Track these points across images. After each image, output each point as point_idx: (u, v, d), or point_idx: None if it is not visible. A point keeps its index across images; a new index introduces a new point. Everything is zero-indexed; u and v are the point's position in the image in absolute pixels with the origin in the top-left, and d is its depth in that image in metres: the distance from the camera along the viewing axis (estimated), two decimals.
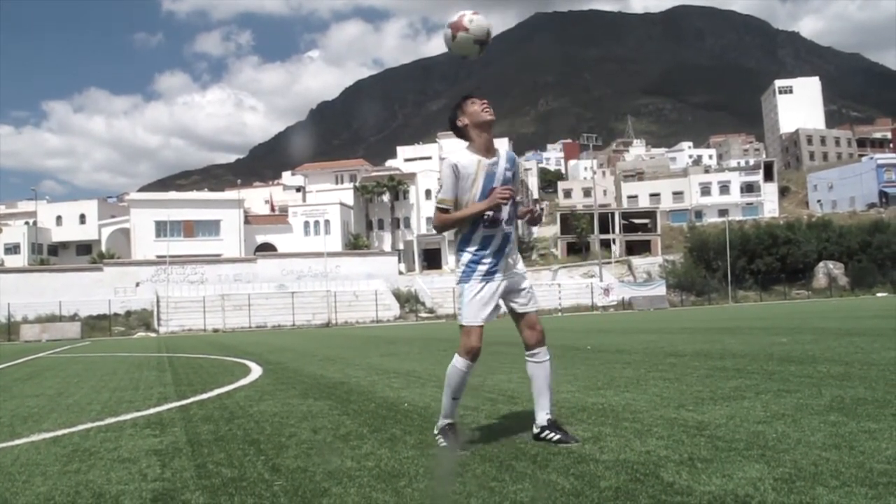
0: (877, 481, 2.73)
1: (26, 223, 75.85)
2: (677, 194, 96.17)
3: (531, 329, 3.97)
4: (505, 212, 3.85)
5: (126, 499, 3.14)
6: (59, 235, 76.57)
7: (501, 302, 3.94)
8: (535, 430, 3.92)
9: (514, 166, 3.98)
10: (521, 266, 4.00)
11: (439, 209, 3.87)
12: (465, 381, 3.91)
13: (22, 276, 57.52)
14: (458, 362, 3.86)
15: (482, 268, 3.83)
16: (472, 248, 3.85)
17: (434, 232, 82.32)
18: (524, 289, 3.97)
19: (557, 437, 3.82)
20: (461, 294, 3.87)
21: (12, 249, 72.05)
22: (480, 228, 3.83)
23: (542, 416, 3.92)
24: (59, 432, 5.18)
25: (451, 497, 2.88)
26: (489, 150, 3.88)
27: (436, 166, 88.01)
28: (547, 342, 4.05)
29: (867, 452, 3.19)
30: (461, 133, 3.92)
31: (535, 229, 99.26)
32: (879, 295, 54.87)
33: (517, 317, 3.99)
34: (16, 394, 8.56)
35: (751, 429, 3.86)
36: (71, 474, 3.68)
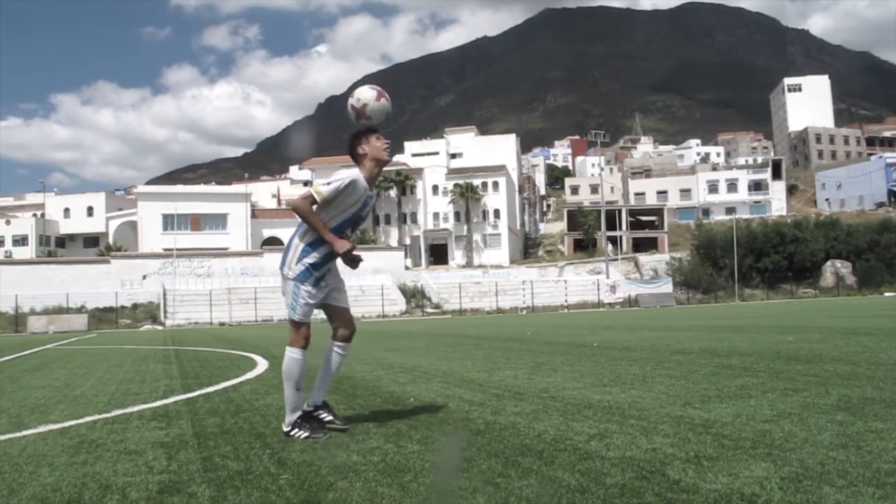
0: (884, 481, 2.72)
1: (34, 215, 76.13)
2: (685, 192, 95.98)
3: (346, 325, 4.45)
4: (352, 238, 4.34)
5: (132, 490, 3.14)
6: (66, 228, 76.85)
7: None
8: (308, 409, 4.34)
9: (372, 204, 4.42)
10: (338, 272, 4.44)
11: (311, 196, 4.08)
12: (303, 370, 4.29)
13: (29, 268, 57.77)
14: (295, 353, 4.27)
15: (318, 274, 4.20)
16: (316, 255, 4.17)
17: (431, 224, 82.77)
18: (340, 285, 4.43)
19: (329, 417, 4.35)
20: (294, 290, 4.18)
21: (20, 241, 72.36)
22: (327, 245, 4.17)
23: (319, 397, 4.44)
24: (66, 424, 5.19)
25: (455, 492, 2.88)
26: (371, 184, 4.27)
27: (443, 161, 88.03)
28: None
29: (874, 452, 3.17)
30: (355, 156, 4.29)
31: (542, 226, 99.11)
32: (887, 294, 54.69)
33: (334, 311, 4.42)
34: (23, 385, 8.59)
35: (757, 427, 3.85)
36: (78, 466, 3.68)
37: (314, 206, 4.09)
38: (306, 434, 4.12)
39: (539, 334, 15.84)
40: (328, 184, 4.07)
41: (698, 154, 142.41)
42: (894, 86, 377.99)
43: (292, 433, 4.17)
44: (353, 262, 4.25)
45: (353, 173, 4.16)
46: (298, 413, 4.23)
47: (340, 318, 4.42)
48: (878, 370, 6.21)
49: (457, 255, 79.51)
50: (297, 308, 4.21)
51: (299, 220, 4.21)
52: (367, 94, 4.26)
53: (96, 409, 5.99)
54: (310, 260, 4.16)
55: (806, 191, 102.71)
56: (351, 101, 4.28)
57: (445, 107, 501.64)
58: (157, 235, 67.71)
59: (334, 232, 4.16)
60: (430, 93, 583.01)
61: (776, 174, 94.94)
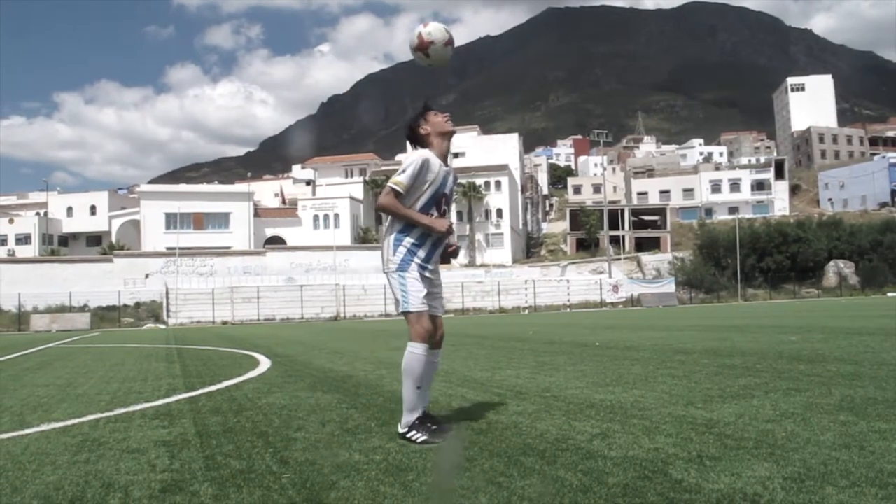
0: (887, 482, 2.72)
1: (37, 214, 76.18)
2: (687, 191, 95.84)
3: (437, 331, 4.13)
4: (447, 217, 4.10)
5: (135, 489, 3.15)
6: (69, 226, 76.90)
7: None
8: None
9: (455, 181, 4.24)
10: (439, 272, 4.22)
11: (393, 189, 3.94)
12: (428, 368, 3.99)
13: (32, 267, 57.84)
14: (417, 348, 3.93)
15: (420, 258, 4.00)
16: (412, 238, 3.99)
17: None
18: (438, 292, 4.18)
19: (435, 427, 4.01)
20: (401, 281, 3.96)
21: (23, 240, 72.41)
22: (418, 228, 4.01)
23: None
24: (69, 422, 5.20)
25: (456, 492, 2.88)
26: (445, 159, 4.10)
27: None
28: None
29: (877, 452, 3.17)
30: (419, 139, 4.11)
31: (545, 225, 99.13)
32: (890, 294, 54.59)
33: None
34: (26, 383, 8.60)
35: (760, 427, 3.85)
36: (80, 464, 3.69)
37: (398, 198, 3.95)
38: (424, 437, 3.87)
39: (541, 334, 15.84)
40: (402, 171, 3.92)
41: (701, 154, 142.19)
42: None
43: (409, 435, 3.92)
44: (453, 253, 4.14)
45: (424, 152, 4.01)
46: (417, 414, 3.97)
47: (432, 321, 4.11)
48: (882, 370, 6.20)
49: (460, 255, 79.38)
50: (407, 298, 3.95)
51: (388, 220, 4.10)
52: (439, 34, 4.04)
53: (99, 407, 6.00)
54: (406, 245, 3.99)
55: (809, 191, 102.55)
56: (420, 28, 4.08)
57: (448, 106, 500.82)
58: (159, 234, 67.75)
59: (422, 211, 4.00)
60: (433, 92, 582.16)
61: (779, 174, 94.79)
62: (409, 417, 3.96)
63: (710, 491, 2.70)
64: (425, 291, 3.97)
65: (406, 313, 3.96)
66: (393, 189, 3.92)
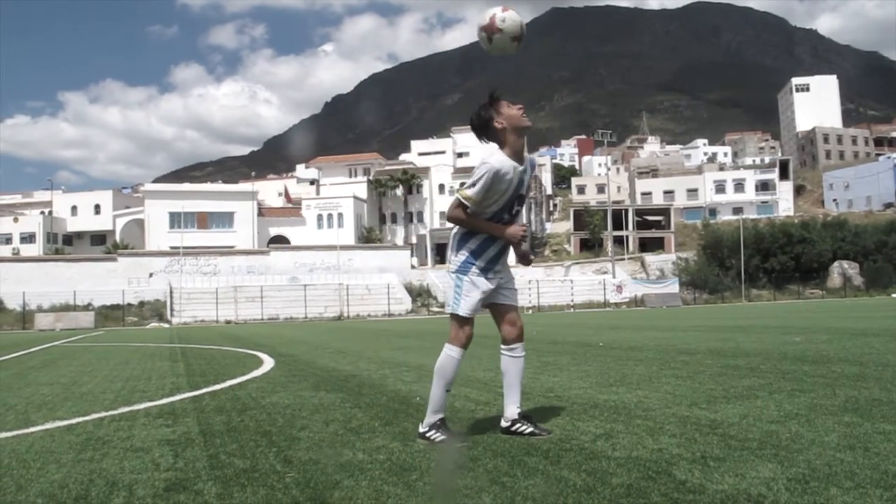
0: (892, 483, 2.71)
1: (42, 213, 76.34)
2: (691, 192, 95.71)
3: (512, 325, 4.02)
4: (518, 221, 3.93)
5: (139, 488, 3.15)
6: (73, 225, 77.02)
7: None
8: (505, 424, 3.98)
9: (532, 171, 4.01)
10: (508, 267, 4.06)
11: (462, 204, 3.78)
12: (457, 371, 3.90)
13: (37, 266, 57.91)
14: (454, 351, 3.86)
15: (481, 263, 3.86)
16: (477, 241, 3.87)
17: (447, 224, 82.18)
18: (510, 286, 4.03)
19: (530, 429, 3.89)
20: (457, 283, 3.88)
21: (28, 239, 72.54)
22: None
23: (513, 410, 3.97)
24: (73, 421, 5.21)
25: (459, 491, 2.88)
26: (520, 157, 3.85)
27: (449, 161, 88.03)
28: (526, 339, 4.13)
29: (882, 454, 3.16)
30: (491, 134, 3.86)
31: (548, 225, 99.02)
32: (895, 295, 54.48)
33: (500, 310, 4.01)
34: (30, 382, 8.62)
35: (764, 428, 3.84)
36: (84, 462, 3.70)
37: (468, 211, 3.80)
38: (443, 437, 3.81)
39: (545, 334, 15.83)
40: (473, 184, 3.72)
41: (705, 154, 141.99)
42: None
43: (428, 434, 3.85)
44: (525, 258, 3.93)
45: (494, 161, 3.75)
46: (440, 416, 3.89)
47: (505, 317, 4.01)
48: (886, 371, 6.19)
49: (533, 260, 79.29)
50: (459, 302, 3.86)
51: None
52: (512, 26, 3.77)
53: (103, 406, 6.01)
54: (470, 247, 3.86)
55: (813, 191, 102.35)
56: (496, 10, 3.79)
57: (452, 106, 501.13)
58: (163, 233, 67.82)
59: (495, 217, 3.86)
60: (437, 92, 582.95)
61: (783, 174, 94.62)
62: (432, 418, 3.89)
63: (714, 492, 2.69)
64: (479, 298, 3.86)
65: (454, 315, 3.90)
66: (461, 203, 3.78)
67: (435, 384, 3.89)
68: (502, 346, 4.04)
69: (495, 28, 3.76)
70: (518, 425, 3.92)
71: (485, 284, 3.86)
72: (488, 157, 3.80)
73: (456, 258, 3.89)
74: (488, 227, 3.83)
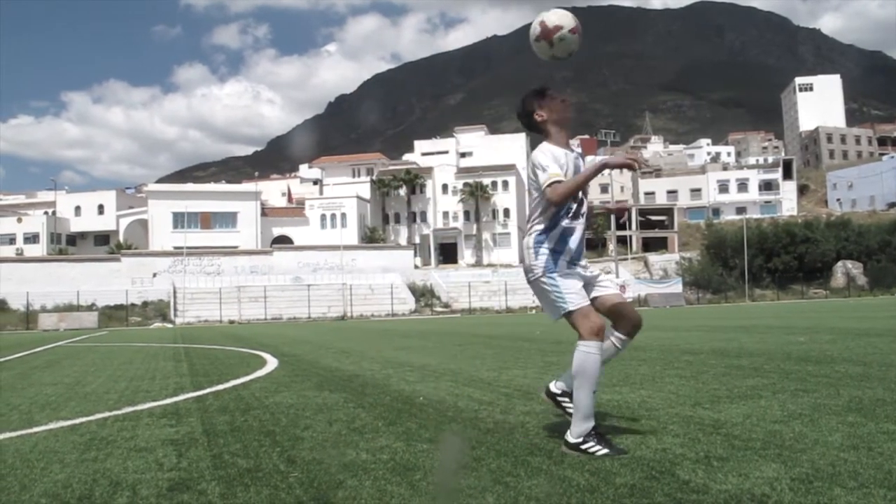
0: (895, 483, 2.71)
1: (45, 213, 76.46)
2: (695, 191, 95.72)
3: (629, 315, 3.77)
4: (584, 206, 3.71)
5: (142, 487, 3.15)
6: (77, 226, 77.15)
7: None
8: (555, 390, 3.84)
9: (583, 160, 3.84)
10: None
11: (554, 182, 3.52)
12: (600, 367, 3.53)
13: (41, 266, 58.06)
14: (590, 347, 3.47)
15: (566, 258, 3.60)
16: (555, 238, 3.63)
17: (451, 224, 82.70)
18: (601, 279, 3.77)
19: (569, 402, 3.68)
20: (551, 283, 3.56)
21: (31, 239, 72.68)
22: (563, 221, 3.63)
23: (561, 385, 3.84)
24: (77, 421, 5.22)
25: (462, 491, 2.88)
26: (568, 146, 3.74)
27: (453, 161, 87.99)
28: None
29: (886, 454, 3.16)
30: (534, 125, 3.75)
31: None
32: None
33: (604, 301, 3.71)
34: (34, 382, 8.63)
35: (768, 428, 3.84)
36: (88, 462, 3.70)
37: (560, 183, 3.51)
38: (605, 451, 3.37)
39: (548, 334, 15.83)
40: (545, 168, 3.54)
41: (709, 154, 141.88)
42: None
43: (584, 447, 3.40)
44: (620, 211, 3.70)
45: (544, 148, 3.63)
46: (592, 423, 3.46)
47: (615, 308, 3.72)
48: (890, 371, 6.18)
49: (466, 255, 79.46)
50: (564, 298, 3.52)
51: (527, 224, 3.74)
52: (566, 19, 3.63)
53: (107, 406, 6.01)
54: (548, 246, 3.60)
55: (817, 191, 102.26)
56: (544, 15, 3.68)
57: (455, 106, 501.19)
58: (167, 233, 67.94)
59: (562, 214, 3.62)
60: (440, 92, 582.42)
61: (787, 174, 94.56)
62: (583, 426, 3.44)
63: (718, 492, 2.69)
64: (580, 284, 3.59)
65: (568, 315, 3.54)
66: (554, 182, 3.50)
67: (578, 388, 3.48)
68: (615, 333, 3.78)
69: (551, 30, 3.65)
70: (565, 399, 3.77)
71: (577, 273, 3.62)
72: (540, 148, 3.69)
73: (536, 262, 3.61)
74: (591, 171, 3.61)
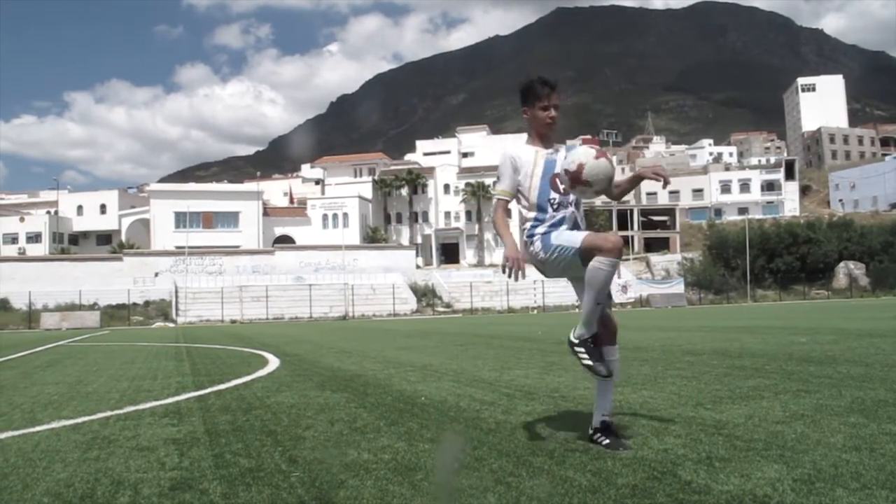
0: None
1: (48, 212, 76.50)
2: (697, 192, 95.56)
3: (604, 327, 3.85)
4: (571, 196, 3.76)
5: (144, 486, 3.16)
6: (79, 225, 77.16)
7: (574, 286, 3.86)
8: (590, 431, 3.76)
9: (567, 155, 3.81)
10: None
11: (500, 200, 3.81)
12: (609, 281, 3.61)
13: (43, 265, 58.10)
14: (604, 262, 3.53)
15: (556, 227, 3.71)
16: (545, 226, 3.74)
17: (452, 223, 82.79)
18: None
19: (607, 441, 3.61)
20: (552, 241, 3.68)
21: (34, 238, 72.69)
22: (550, 213, 3.74)
23: (601, 416, 3.75)
24: (79, 420, 5.22)
25: (464, 491, 2.88)
26: (547, 143, 3.84)
27: (454, 161, 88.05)
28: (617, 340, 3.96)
29: (888, 455, 3.16)
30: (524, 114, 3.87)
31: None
32: None
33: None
34: (36, 381, 8.64)
35: (770, 429, 3.83)
36: (90, 461, 3.71)
37: (509, 203, 3.81)
38: (589, 361, 3.64)
39: (550, 334, 15.82)
40: (498, 179, 3.79)
41: (711, 154, 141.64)
42: None
43: (577, 349, 3.69)
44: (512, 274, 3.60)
45: (507, 151, 3.80)
46: (593, 331, 3.69)
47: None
48: (892, 372, 6.18)
49: (468, 255, 79.47)
50: (568, 239, 3.64)
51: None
52: (583, 154, 3.62)
53: (109, 405, 6.02)
54: (541, 231, 3.72)
55: (819, 191, 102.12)
56: (565, 164, 3.67)
57: (457, 106, 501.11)
58: (169, 233, 67.94)
59: (541, 203, 3.71)
60: (442, 92, 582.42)
61: (789, 174, 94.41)
62: (582, 330, 3.69)
63: (720, 492, 2.69)
64: (570, 228, 3.70)
65: (581, 250, 3.57)
66: (500, 200, 3.80)
67: (587, 295, 3.62)
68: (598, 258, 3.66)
69: (578, 172, 3.60)
70: (599, 435, 3.68)
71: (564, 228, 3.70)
72: (504, 152, 3.83)
73: (535, 247, 3.74)
74: (507, 239, 3.68)
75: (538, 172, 3.75)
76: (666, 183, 3.91)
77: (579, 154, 3.62)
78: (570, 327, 3.63)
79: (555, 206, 3.74)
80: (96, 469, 3.53)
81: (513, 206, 3.89)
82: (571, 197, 3.76)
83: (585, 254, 3.57)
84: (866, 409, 4.32)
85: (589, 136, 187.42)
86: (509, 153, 3.80)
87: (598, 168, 3.59)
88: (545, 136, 3.85)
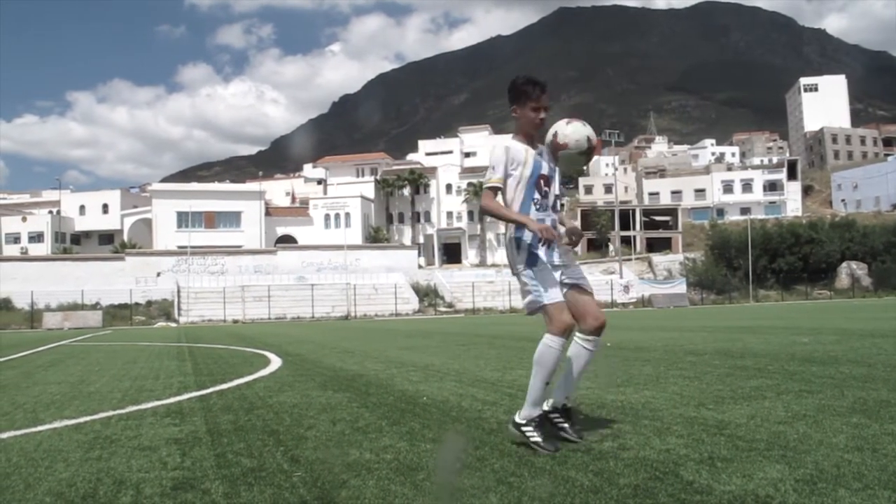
0: None
1: (50, 212, 76.60)
2: (699, 192, 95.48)
3: (590, 314, 3.86)
4: (550, 197, 3.88)
5: (146, 486, 3.16)
6: (81, 225, 77.26)
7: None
8: (546, 408, 3.88)
9: (552, 159, 3.95)
10: (570, 250, 4.04)
11: (490, 189, 3.82)
12: (559, 362, 3.72)
13: (45, 265, 58.17)
14: (553, 341, 3.66)
15: (545, 252, 3.75)
16: (530, 234, 3.76)
17: (454, 223, 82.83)
18: (580, 273, 3.93)
19: (565, 424, 3.83)
20: (531, 276, 3.75)
21: (36, 238, 72.78)
22: (532, 213, 3.81)
23: (560, 397, 3.91)
24: (81, 419, 5.23)
25: (466, 491, 2.88)
26: (532, 143, 3.91)
27: (457, 161, 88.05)
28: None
29: (890, 455, 3.15)
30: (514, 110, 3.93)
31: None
32: None
33: (572, 295, 3.84)
34: (38, 381, 8.65)
35: (772, 429, 3.83)
36: (92, 461, 3.71)
37: (498, 196, 3.85)
38: (537, 439, 3.63)
39: None
40: (492, 169, 3.80)
41: (713, 154, 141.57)
42: None
43: (524, 429, 3.70)
44: (548, 242, 3.70)
45: (502, 142, 3.89)
46: (539, 410, 3.76)
47: (581, 304, 3.82)
48: (895, 373, 6.17)
49: (470, 255, 79.49)
50: (541, 292, 3.71)
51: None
52: (574, 137, 3.81)
53: (111, 405, 6.02)
54: (528, 240, 3.76)
55: (821, 191, 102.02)
56: (559, 125, 3.89)
57: (459, 106, 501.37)
58: (171, 233, 68.00)
59: (525, 202, 3.82)
60: (444, 92, 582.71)
61: (791, 175, 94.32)
62: (530, 411, 3.73)
63: (722, 492, 2.69)
64: (559, 283, 3.77)
65: (543, 308, 3.71)
66: (491, 189, 3.82)
67: (534, 376, 3.73)
68: (577, 335, 3.85)
69: (559, 145, 3.84)
70: (556, 416, 3.87)
71: (551, 265, 3.77)
72: (498, 143, 3.91)
73: (519, 256, 3.80)
74: (514, 216, 3.79)
75: (526, 173, 3.82)
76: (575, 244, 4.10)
77: (577, 134, 3.82)
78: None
79: (538, 208, 3.83)
80: (98, 469, 3.53)
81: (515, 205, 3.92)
82: (551, 199, 3.88)
83: (542, 311, 3.72)
84: (868, 410, 4.31)
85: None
86: (505, 145, 3.87)
87: (569, 129, 3.82)
88: (532, 137, 3.91)
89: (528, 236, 3.76)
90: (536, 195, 3.82)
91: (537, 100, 3.84)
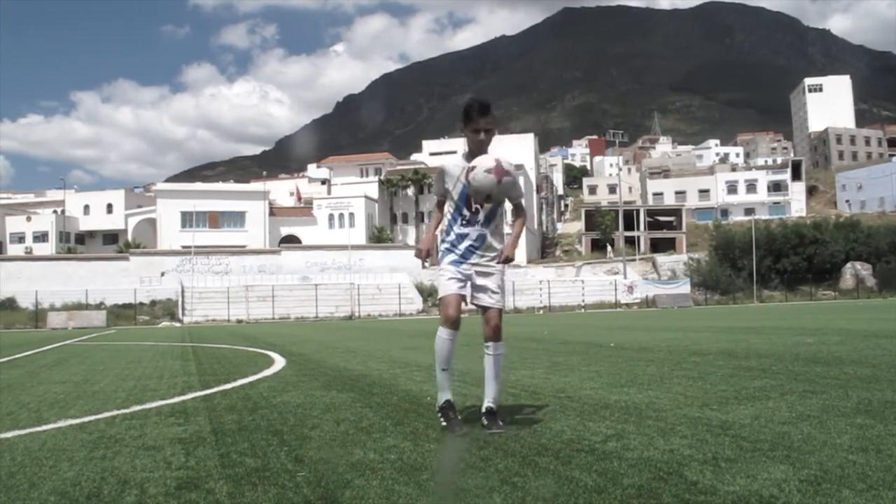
0: None
1: (54, 212, 76.78)
2: (703, 192, 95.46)
3: (486, 324, 4.28)
4: (481, 214, 4.25)
5: (150, 486, 3.16)
6: (86, 224, 77.44)
7: (469, 294, 4.26)
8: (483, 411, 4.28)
9: (504, 175, 4.10)
10: (495, 265, 4.31)
11: (437, 201, 4.48)
12: (450, 351, 4.24)
13: (49, 265, 58.29)
14: (441, 332, 4.20)
15: (456, 253, 4.24)
16: (450, 238, 4.29)
17: None
18: (489, 287, 4.26)
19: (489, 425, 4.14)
20: (440, 274, 4.28)
21: (40, 238, 72.97)
22: (457, 226, 4.26)
23: (486, 403, 4.29)
24: (85, 419, 5.23)
25: (469, 491, 2.88)
26: (476, 154, 4.23)
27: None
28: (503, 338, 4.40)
29: (895, 456, 3.15)
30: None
31: (559, 225, 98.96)
32: None
33: (482, 310, 4.31)
34: (43, 380, 8.67)
35: (776, 429, 3.83)
36: (97, 461, 3.71)
37: (442, 205, 4.44)
38: (443, 423, 4.22)
39: (556, 334, 15.80)
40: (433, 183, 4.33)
41: (717, 154, 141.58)
42: None
43: (438, 414, 4.32)
44: (505, 260, 4.37)
45: (440, 165, 4.43)
46: (445, 396, 4.34)
47: (484, 315, 4.34)
48: None
49: (509, 262, 79.31)
50: (439, 286, 4.33)
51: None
52: (481, 165, 4.13)
53: (115, 404, 6.03)
54: (445, 245, 4.32)
55: (826, 192, 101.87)
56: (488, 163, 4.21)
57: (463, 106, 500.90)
58: (175, 233, 68.09)
59: (453, 217, 4.31)
60: (448, 91, 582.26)
61: (796, 175, 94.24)
62: (438, 396, 4.38)
63: (726, 493, 2.68)
64: (458, 279, 4.20)
65: (438, 299, 4.33)
66: (435, 204, 4.48)
67: (436, 365, 4.35)
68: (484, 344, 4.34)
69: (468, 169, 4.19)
70: (483, 419, 4.24)
71: (461, 270, 4.21)
72: (443, 161, 4.52)
73: (440, 252, 4.35)
74: (427, 233, 4.58)
75: (458, 188, 4.24)
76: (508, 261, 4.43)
77: (486, 159, 4.14)
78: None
79: (463, 222, 4.26)
80: (102, 468, 3.53)
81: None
82: (481, 216, 4.25)
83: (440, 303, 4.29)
84: (873, 411, 4.30)
85: (595, 137, 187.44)
86: (441, 165, 4.38)
87: (480, 175, 4.06)
88: (476, 155, 4.22)
89: (447, 241, 4.30)
90: (465, 211, 4.24)
91: (476, 121, 4.22)
